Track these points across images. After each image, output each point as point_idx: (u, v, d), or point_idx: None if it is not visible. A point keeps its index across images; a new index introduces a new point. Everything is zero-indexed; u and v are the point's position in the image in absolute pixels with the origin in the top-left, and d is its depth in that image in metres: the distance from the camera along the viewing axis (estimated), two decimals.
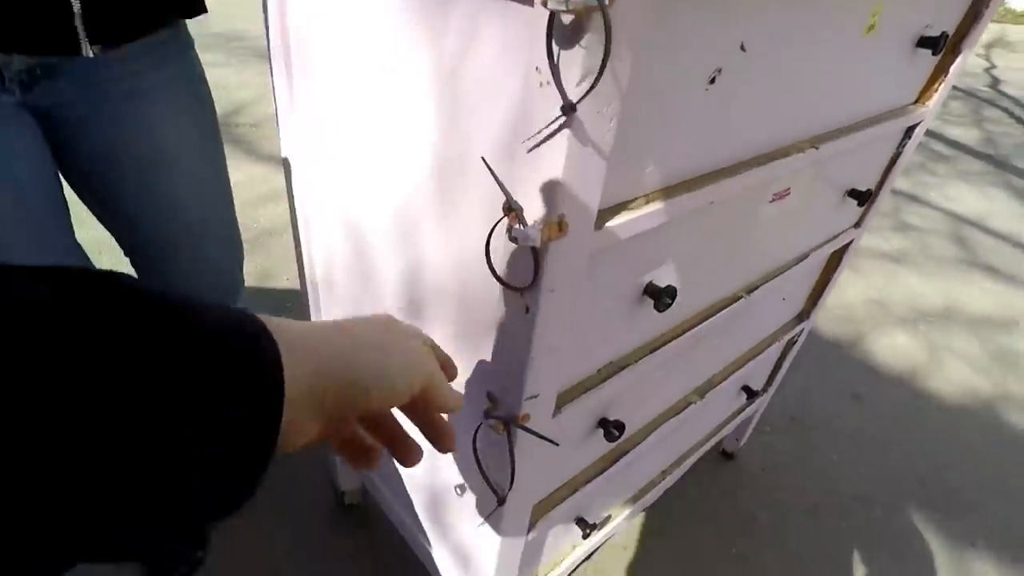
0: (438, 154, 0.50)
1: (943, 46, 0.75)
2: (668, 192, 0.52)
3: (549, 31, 0.34)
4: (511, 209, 0.42)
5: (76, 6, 0.64)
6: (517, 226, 0.42)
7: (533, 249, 0.43)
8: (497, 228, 0.45)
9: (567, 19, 0.33)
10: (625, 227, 0.48)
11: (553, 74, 0.35)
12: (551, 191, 0.40)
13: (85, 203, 0.87)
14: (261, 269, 1.92)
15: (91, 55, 0.67)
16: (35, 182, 0.73)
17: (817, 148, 0.68)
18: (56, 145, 0.76)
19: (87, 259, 0.86)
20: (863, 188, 0.88)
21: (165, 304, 0.22)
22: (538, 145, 0.39)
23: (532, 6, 0.35)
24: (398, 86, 0.52)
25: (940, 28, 0.75)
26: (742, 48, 0.49)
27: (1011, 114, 4.64)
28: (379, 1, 0.50)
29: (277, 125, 0.75)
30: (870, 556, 1.35)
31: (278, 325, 0.28)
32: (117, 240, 0.90)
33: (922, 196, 3.20)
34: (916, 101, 0.89)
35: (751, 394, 1.18)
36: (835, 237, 0.98)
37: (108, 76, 0.72)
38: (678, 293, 0.63)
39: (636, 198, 0.50)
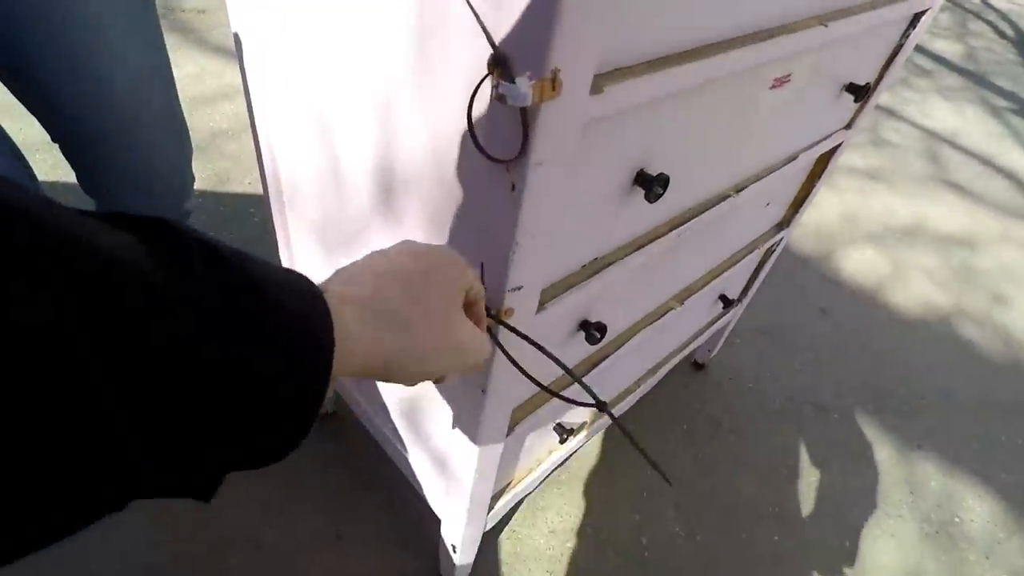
0: (413, 11, 0.43)
1: None
2: (670, 61, 0.46)
3: None
4: (497, 63, 0.36)
5: None
6: (504, 83, 0.36)
7: (522, 111, 0.37)
8: (481, 89, 0.39)
9: None
10: (624, 93, 0.43)
11: None
12: (545, 40, 0.34)
13: (4, 83, 0.76)
14: (217, 173, 1.80)
15: None
16: None
17: (826, 26, 0.62)
18: None
19: (13, 145, 0.76)
20: (862, 82, 0.83)
21: (234, 259, 0.24)
22: None
23: None
24: None
25: None
26: None
27: (996, 28, 4.57)
28: None
29: (227, 10, 0.65)
30: (824, 459, 1.41)
31: (336, 299, 0.30)
32: (43, 125, 0.80)
33: (900, 111, 3.16)
34: None
35: (727, 303, 1.17)
36: (826, 138, 0.94)
37: None
38: (669, 185, 0.59)
39: (636, 64, 0.44)
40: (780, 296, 1.82)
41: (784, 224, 1.14)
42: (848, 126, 0.99)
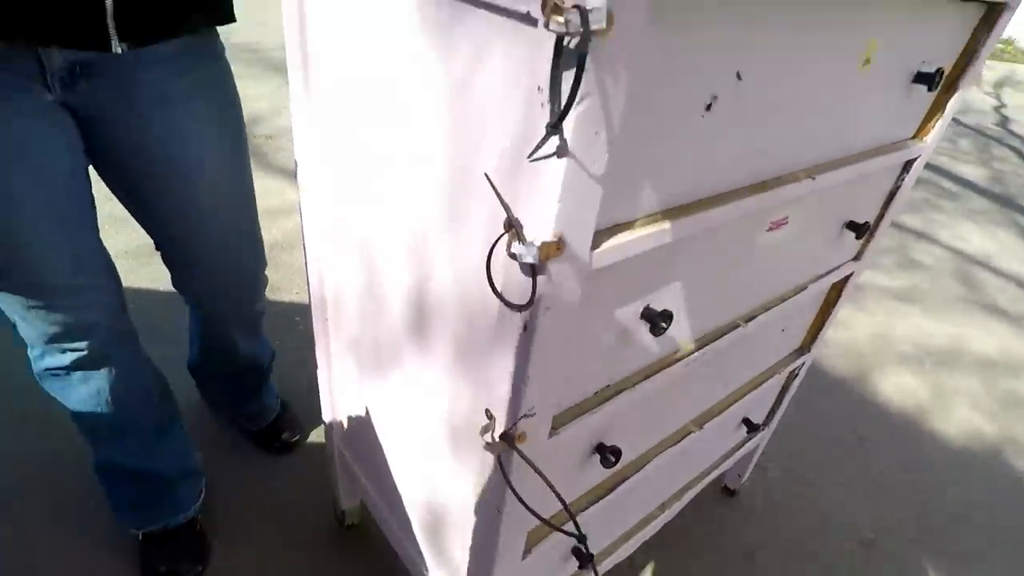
0: (446, 170, 0.52)
1: (939, 82, 0.77)
2: (666, 215, 0.53)
3: (556, 52, 0.35)
4: (511, 226, 0.43)
5: (108, 2, 0.67)
6: (516, 243, 0.43)
7: (531, 267, 0.43)
8: (498, 245, 0.46)
9: (570, 42, 0.34)
10: (622, 248, 0.49)
11: (551, 94, 0.36)
12: (548, 209, 0.41)
13: (119, 200, 0.89)
14: (270, 282, 1.94)
15: (119, 51, 0.70)
16: (66, 178, 0.76)
17: (814, 179, 0.69)
18: (90, 144, 0.78)
19: (108, 258, 0.88)
20: (861, 221, 0.89)
21: None
22: (536, 160, 0.40)
23: (536, 27, 0.37)
24: (409, 102, 0.54)
25: (936, 64, 0.77)
26: (738, 77, 0.50)
27: (1019, 153, 4.68)
28: (393, 20, 0.52)
29: (293, 138, 0.77)
30: None
31: None
32: (148, 234, 0.93)
33: (930, 233, 3.21)
34: (914, 136, 0.90)
35: (751, 427, 1.16)
36: (834, 269, 0.99)
37: (140, 80, 0.75)
38: (674, 318, 0.64)
39: (634, 220, 0.51)
40: (814, 421, 1.77)
41: (804, 349, 1.16)
42: (857, 258, 1.03)
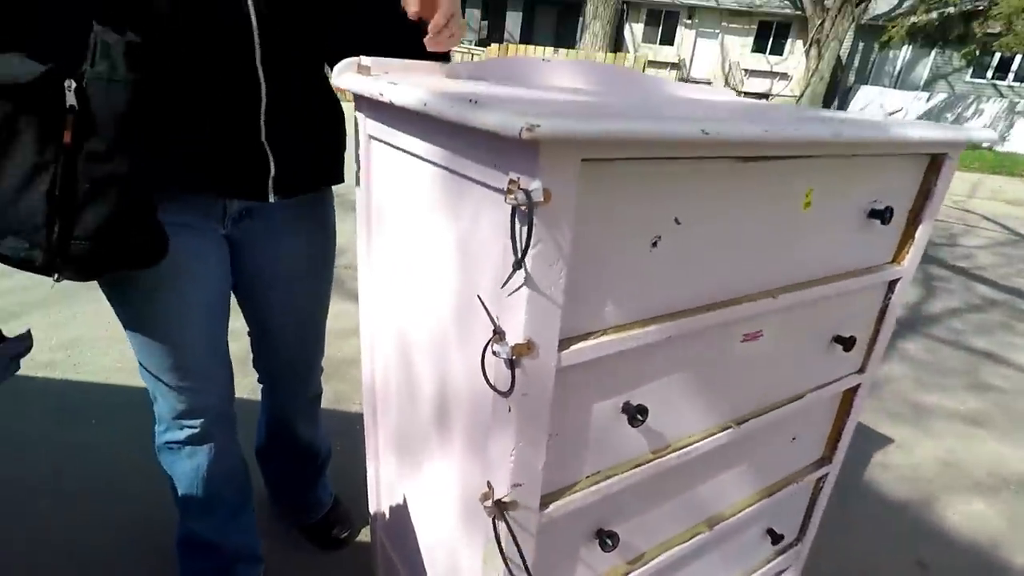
0: (457, 294, 0.70)
1: (889, 218, 0.90)
2: (626, 327, 0.68)
3: (512, 217, 0.54)
4: (495, 332, 0.60)
5: (272, 172, 0.94)
6: (497, 345, 0.59)
7: (509, 361, 0.59)
8: (490, 347, 0.62)
9: (519, 205, 0.52)
10: (586, 352, 0.64)
11: (512, 241, 0.54)
12: (519, 321, 0.58)
13: (237, 300, 1.14)
14: (336, 393, 2.15)
15: (272, 201, 0.97)
16: (221, 290, 1.02)
17: (775, 298, 0.82)
18: (233, 262, 1.04)
19: (229, 355, 1.11)
20: (847, 335, 0.99)
21: None
22: (506, 289, 0.57)
23: (505, 201, 0.56)
24: (433, 247, 0.74)
25: (885, 203, 0.90)
26: (676, 221, 0.67)
27: None
28: (423, 191, 0.73)
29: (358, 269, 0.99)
30: None
31: None
32: (246, 321, 1.18)
33: (1003, 355, 3.07)
34: (892, 261, 1.02)
35: (776, 539, 1.18)
36: (834, 381, 1.06)
37: (278, 218, 1.02)
38: (659, 415, 0.76)
39: (596, 331, 0.66)
40: (872, 546, 1.69)
41: (825, 460, 1.20)
42: (861, 370, 1.11)
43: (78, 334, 2.37)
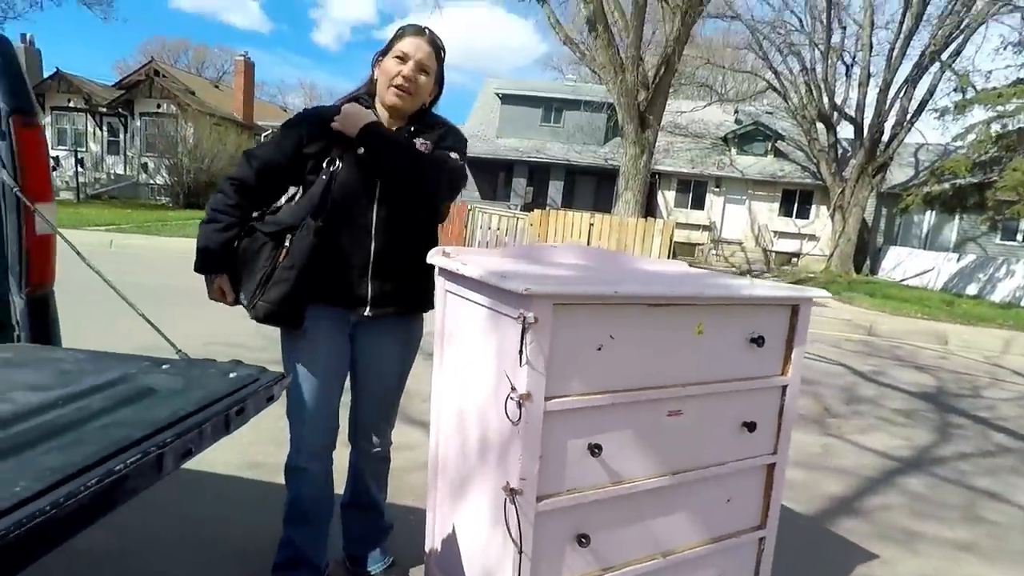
0: (493, 375, 1.28)
1: (762, 344, 1.45)
2: (585, 394, 1.24)
3: (522, 329, 1.14)
4: (512, 388, 1.17)
5: (368, 298, 1.57)
6: (513, 394, 1.16)
7: (518, 403, 1.16)
8: (509, 396, 1.19)
9: (527, 322, 1.13)
10: (561, 404, 1.20)
11: (521, 342, 1.14)
12: (523, 382, 1.15)
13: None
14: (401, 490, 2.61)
15: (369, 316, 1.59)
16: (340, 367, 1.62)
17: (684, 387, 1.36)
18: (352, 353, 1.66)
19: (337, 412, 1.68)
20: (751, 420, 1.49)
21: None
22: (518, 365, 1.16)
23: (517, 321, 1.16)
24: (480, 352, 1.34)
25: (759, 333, 1.46)
26: (611, 337, 1.25)
27: None
28: (475, 321, 1.35)
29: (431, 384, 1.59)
30: None
31: None
32: (352, 386, 1.73)
33: (1006, 495, 3.26)
34: (781, 373, 1.55)
35: None
36: (752, 457, 1.54)
37: (381, 327, 1.63)
38: (606, 452, 1.28)
39: (567, 394, 1.22)
40: None
41: (761, 526, 1.62)
42: (774, 452, 1.58)
43: None
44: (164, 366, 1.07)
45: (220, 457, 2.67)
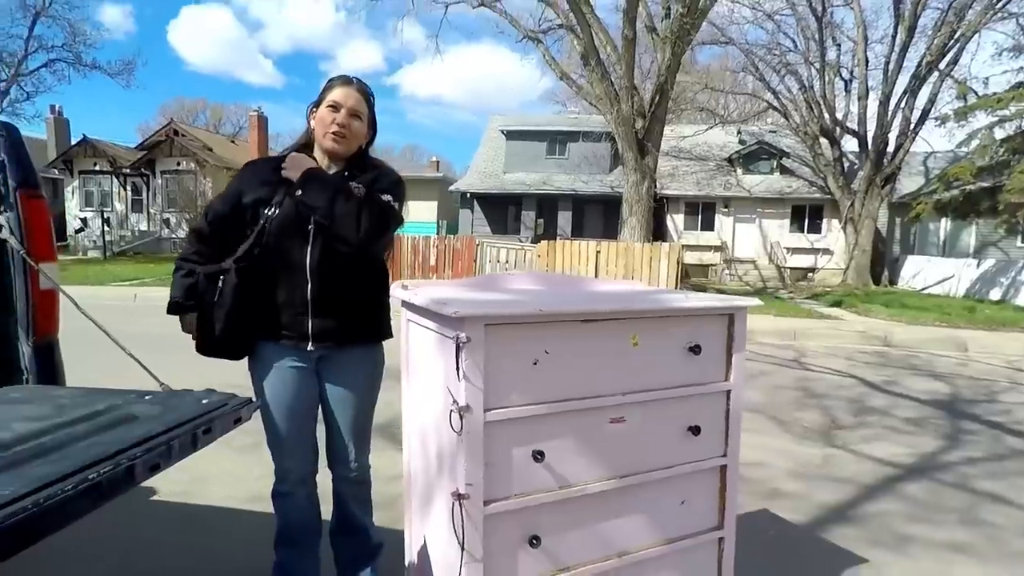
0: (441, 390, 1.41)
1: (699, 352, 1.57)
2: (524, 405, 1.36)
3: (456, 348, 1.28)
4: (454, 401, 1.31)
5: (309, 332, 1.70)
6: (453, 407, 1.29)
7: (459, 415, 1.29)
8: (452, 409, 1.32)
9: (460, 341, 1.27)
10: (501, 415, 1.33)
11: (456, 360, 1.28)
12: (462, 395, 1.28)
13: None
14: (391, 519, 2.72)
15: (310, 349, 1.71)
16: (308, 398, 1.74)
17: (624, 395, 1.48)
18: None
19: (317, 443, 1.81)
20: (695, 425, 1.59)
21: None
22: (458, 380, 1.30)
23: (454, 341, 1.30)
24: (431, 371, 1.47)
25: (696, 342, 1.58)
26: (546, 352, 1.39)
27: None
28: (427, 344, 1.50)
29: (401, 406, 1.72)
30: None
31: None
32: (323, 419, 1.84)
33: (1009, 497, 3.23)
34: (724, 379, 1.65)
35: None
36: (702, 460, 1.63)
37: (338, 358, 1.75)
38: (550, 458, 1.40)
39: (505, 405, 1.35)
40: None
41: (719, 527, 1.70)
42: (724, 455, 1.67)
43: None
44: (147, 397, 1.23)
45: (230, 492, 2.81)
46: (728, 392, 1.65)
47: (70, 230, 21.42)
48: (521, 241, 16.73)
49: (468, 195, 21.72)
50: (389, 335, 1.82)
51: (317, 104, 1.73)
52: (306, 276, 1.65)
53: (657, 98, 11.67)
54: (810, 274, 19.57)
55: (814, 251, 19.71)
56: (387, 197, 1.67)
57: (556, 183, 21.07)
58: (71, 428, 1.05)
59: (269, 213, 1.64)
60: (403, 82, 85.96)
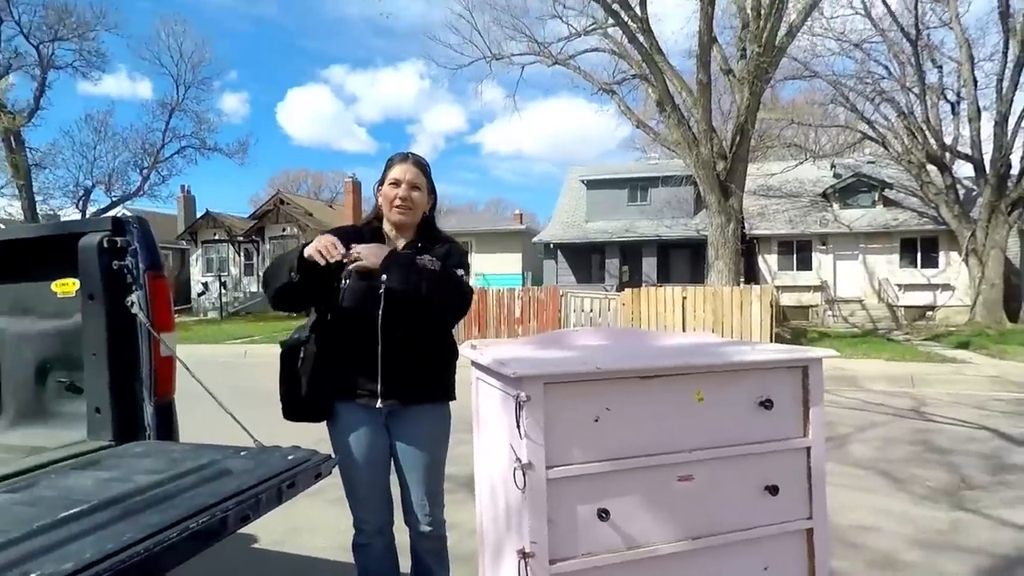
0: (506, 445, 1.46)
1: (770, 407, 1.52)
2: (587, 463, 1.38)
3: (517, 405, 1.33)
4: (517, 458, 1.35)
5: (379, 391, 1.80)
6: (516, 464, 1.33)
7: (521, 472, 1.32)
8: (516, 465, 1.36)
9: (520, 400, 1.32)
10: (563, 472, 1.35)
11: (516, 417, 1.32)
12: (524, 452, 1.32)
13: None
14: None
15: (380, 407, 1.81)
16: (381, 451, 1.83)
17: (691, 452, 1.45)
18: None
19: (388, 490, 1.89)
20: (772, 484, 1.52)
21: None
22: (519, 437, 1.34)
23: (515, 399, 1.35)
24: (497, 425, 1.53)
25: (767, 396, 1.52)
26: (607, 409, 1.40)
27: None
28: (493, 401, 1.55)
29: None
30: None
31: None
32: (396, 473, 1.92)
33: None
34: (802, 435, 1.58)
35: None
36: (783, 523, 1.55)
37: (407, 416, 1.84)
38: (617, 516, 1.39)
39: (568, 463, 1.37)
40: None
41: None
42: (810, 517, 1.57)
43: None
44: (242, 452, 1.37)
45: (322, 543, 2.96)
46: (808, 449, 1.57)
47: (193, 294, 23.85)
48: (606, 289, 16.60)
49: (551, 246, 22.00)
50: (453, 397, 1.90)
51: (381, 182, 1.90)
52: (376, 338, 1.77)
53: (738, 138, 11.44)
54: (928, 312, 17.83)
55: (931, 287, 18.00)
56: (460, 271, 1.80)
57: (639, 229, 20.91)
58: (180, 480, 1.20)
59: (343, 285, 1.78)
60: (485, 140, 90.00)
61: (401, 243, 1.88)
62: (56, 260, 1.77)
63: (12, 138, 20.17)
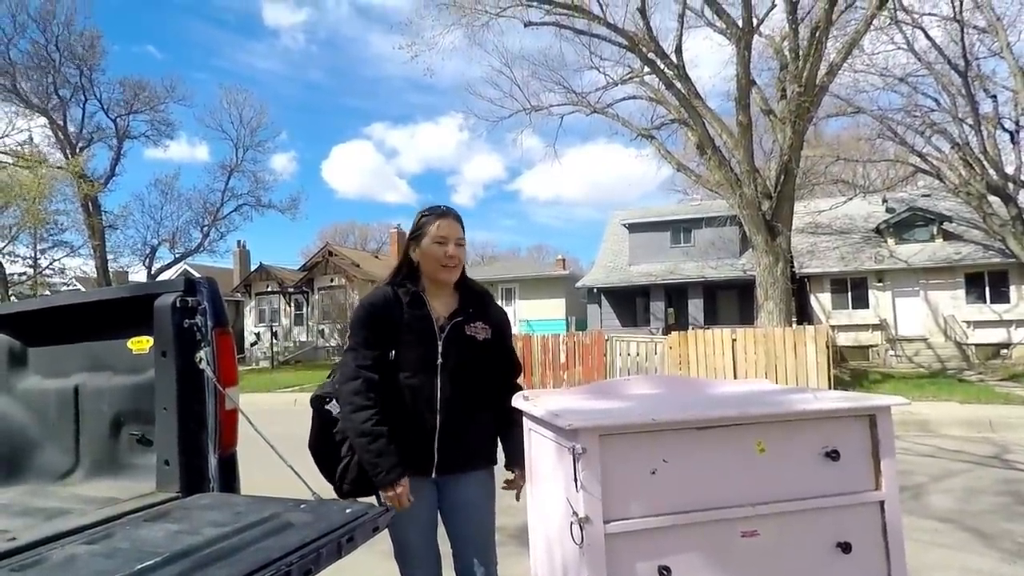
0: (562, 500, 1.44)
1: (837, 459, 1.45)
2: (645, 517, 1.34)
3: (573, 457, 1.32)
4: (574, 512, 1.33)
5: (435, 463, 1.80)
6: (573, 517, 1.31)
7: (579, 525, 1.30)
8: (572, 519, 1.34)
9: (576, 452, 1.30)
10: (622, 526, 1.31)
11: (574, 470, 1.31)
12: (581, 506, 1.30)
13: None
14: None
15: (433, 477, 1.81)
16: (432, 513, 1.82)
17: (754, 506, 1.40)
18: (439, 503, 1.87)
19: (437, 550, 1.87)
20: (846, 541, 1.44)
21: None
22: (575, 490, 1.32)
23: (571, 452, 1.34)
24: (550, 478, 1.51)
25: (833, 447, 1.46)
26: (664, 461, 1.37)
27: None
28: (547, 452, 1.54)
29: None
30: None
31: None
32: (448, 534, 1.90)
33: None
34: (874, 488, 1.49)
35: None
36: None
37: (457, 482, 1.84)
38: (680, 573, 1.34)
39: (626, 517, 1.34)
40: None
41: None
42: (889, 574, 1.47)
43: None
44: (302, 505, 1.40)
45: None
46: (881, 503, 1.48)
47: (246, 344, 24.69)
48: (652, 333, 16.31)
49: (595, 290, 21.89)
50: (495, 461, 1.93)
51: (416, 237, 1.87)
52: (436, 409, 1.78)
53: (782, 177, 11.28)
54: (1003, 350, 16.71)
55: (1004, 323, 16.92)
56: (509, 341, 1.95)
57: (684, 271, 20.61)
58: (244, 534, 1.23)
59: (391, 356, 1.77)
60: (523, 187, 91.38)
61: (441, 303, 1.88)
62: (132, 319, 1.89)
63: (90, 203, 21.82)
